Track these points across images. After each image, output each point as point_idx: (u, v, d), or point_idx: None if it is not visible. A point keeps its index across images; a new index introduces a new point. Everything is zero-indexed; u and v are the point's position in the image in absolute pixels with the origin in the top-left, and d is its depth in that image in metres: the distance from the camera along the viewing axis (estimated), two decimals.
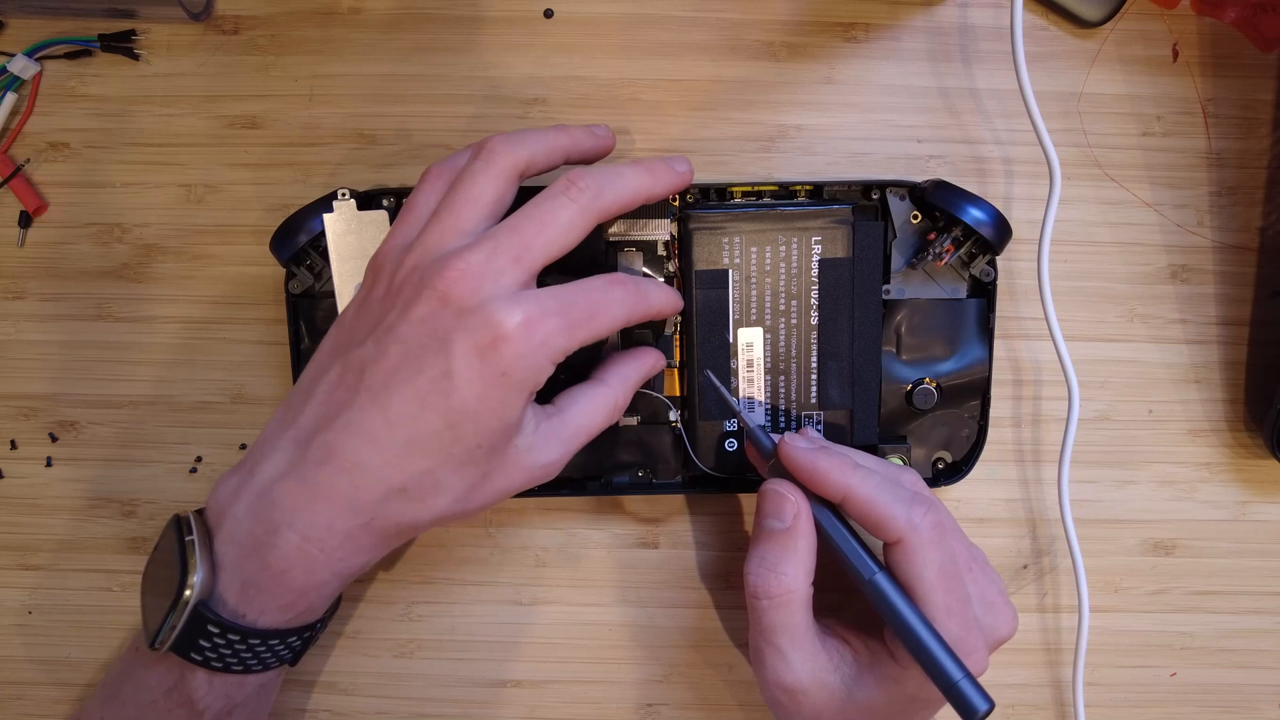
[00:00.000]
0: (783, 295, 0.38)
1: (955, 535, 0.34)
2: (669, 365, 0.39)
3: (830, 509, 0.34)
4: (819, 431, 0.39)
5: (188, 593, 0.31)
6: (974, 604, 0.34)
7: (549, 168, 0.34)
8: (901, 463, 0.39)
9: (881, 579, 0.33)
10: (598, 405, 0.34)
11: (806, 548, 0.34)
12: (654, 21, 0.41)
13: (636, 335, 0.38)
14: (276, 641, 0.33)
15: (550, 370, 0.31)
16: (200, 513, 0.34)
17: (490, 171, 0.32)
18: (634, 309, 0.33)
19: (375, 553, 0.33)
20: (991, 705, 0.31)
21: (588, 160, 0.36)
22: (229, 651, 0.32)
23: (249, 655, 0.33)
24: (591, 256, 0.37)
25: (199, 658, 0.32)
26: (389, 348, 0.31)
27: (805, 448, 0.34)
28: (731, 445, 0.39)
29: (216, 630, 0.31)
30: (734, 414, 0.39)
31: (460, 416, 0.30)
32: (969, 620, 0.33)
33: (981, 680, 0.31)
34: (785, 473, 0.35)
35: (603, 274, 0.33)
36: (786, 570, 0.34)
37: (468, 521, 0.42)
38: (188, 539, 0.32)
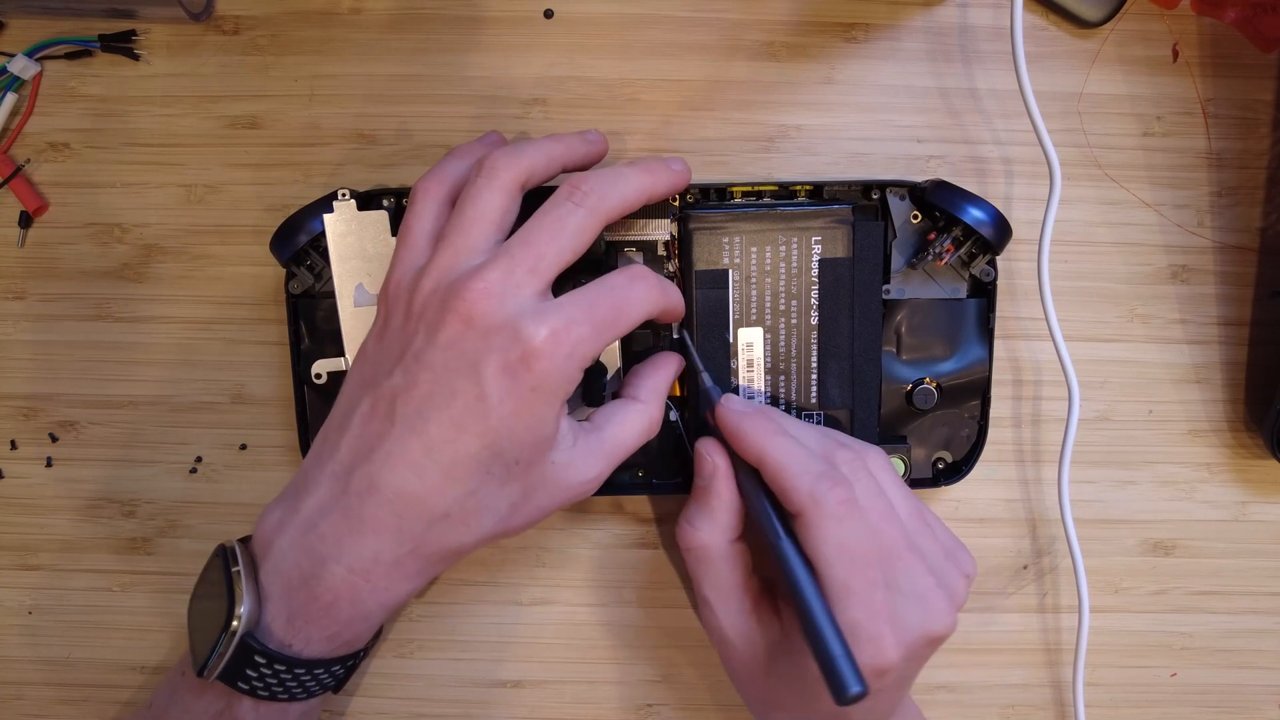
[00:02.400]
0: (783, 295, 0.38)
1: (884, 518, 0.33)
2: None
3: (755, 472, 0.34)
4: None
5: (235, 623, 0.31)
6: (896, 593, 0.32)
7: (549, 177, 0.34)
8: (901, 463, 0.39)
9: (786, 545, 0.32)
10: (635, 423, 0.34)
11: (722, 506, 0.34)
12: (654, 21, 0.41)
13: (636, 336, 0.38)
14: (321, 671, 0.33)
15: (579, 377, 0.31)
16: (245, 541, 0.34)
17: (494, 186, 0.32)
18: (656, 304, 0.33)
19: (421, 580, 0.33)
20: (865, 690, 0.29)
21: (583, 167, 0.36)
22: (275, 681, 0.32)
23: (294, 684, 0.33)
24: (591, 257, 0.37)
25: (246, 687, 0.32)
26: (419, 375, 0.31)
27: (736, 410, 0.34)
28: None
29: (264, 660, 0.32)
30: (697, 374, 0.37)
31: (497, 436, 0.30)
32: (875, 606, 0.31)
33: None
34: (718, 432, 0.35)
35: (621, 270, 0.33)
36: (700, 525, 0.35)
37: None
38: (234, 570, 0.32)
